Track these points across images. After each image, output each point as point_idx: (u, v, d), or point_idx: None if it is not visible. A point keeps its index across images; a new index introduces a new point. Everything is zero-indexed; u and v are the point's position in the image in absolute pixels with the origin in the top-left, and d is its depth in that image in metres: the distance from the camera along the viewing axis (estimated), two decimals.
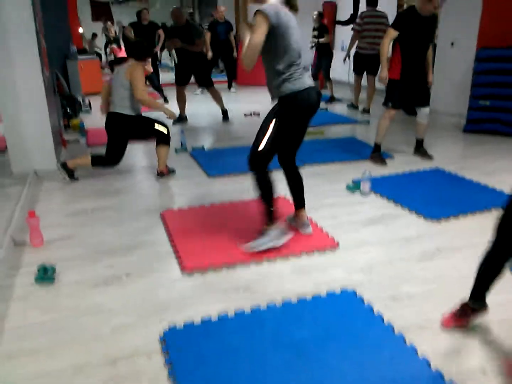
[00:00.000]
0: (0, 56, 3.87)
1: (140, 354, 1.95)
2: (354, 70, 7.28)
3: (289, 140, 2.79)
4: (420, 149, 4.75)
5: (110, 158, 4.04)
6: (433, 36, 4.34)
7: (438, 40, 6.46)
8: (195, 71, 6.39)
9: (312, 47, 8.01)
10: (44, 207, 3.53)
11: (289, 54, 2.56)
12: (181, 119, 6.46)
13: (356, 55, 7.09)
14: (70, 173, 4.07)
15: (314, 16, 7.85)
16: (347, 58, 7.38)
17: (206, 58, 6.68)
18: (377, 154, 4.59)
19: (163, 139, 4.05)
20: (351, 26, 8.12)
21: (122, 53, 10.77)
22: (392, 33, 4.23)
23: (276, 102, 2.69)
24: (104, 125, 4.00)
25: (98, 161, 4.05)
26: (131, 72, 3.84)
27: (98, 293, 2.41)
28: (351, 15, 8.42)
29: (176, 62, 6.59)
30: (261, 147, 2.65)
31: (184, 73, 6.42)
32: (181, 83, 6.46)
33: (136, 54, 3.96)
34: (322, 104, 7.74)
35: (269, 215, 2.76)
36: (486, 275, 2.01)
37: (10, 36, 3.84)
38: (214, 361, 1.88)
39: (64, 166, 4.05)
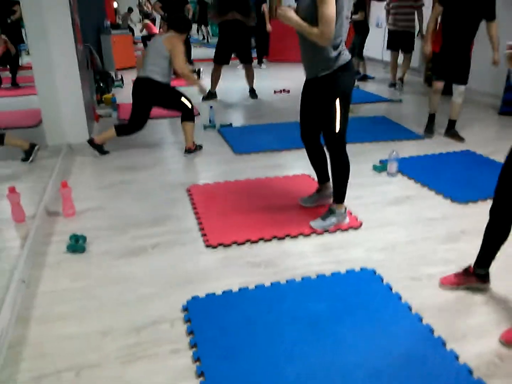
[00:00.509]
0: (35, 31, 3.98)
1: (164, 321, 2.04)
2: (388, 47, 7.19)
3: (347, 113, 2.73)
4: (451, 131, 4.66)
5: (134, 124, 4.10)
6: (482, 12, 4.09)
7: None
8: (239, 47, 6.21)
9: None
10: (76, 180, 3.66)
11: (344, 27, 2.54)
12: (211, 95, 6.45)
13: (388, 32, 7.04)
14: (99, 148, 4.17)
15: None
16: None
17: (251, 33, 6.33)
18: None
19: (187, 115, 4.10)
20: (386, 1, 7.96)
21: (155, 30, 10.84)
22: (437, 8, 4.32)
23: (321, 78, 2.60)
24: (132, 89, 4.04)
25: (122, 130, 4.12)
26: (173, 42, 3.88)
27: (125, 263, 2.51)
28: None
29: (219, 37, 6.32)
30: (337, 129, 2.66)
31: (226, 50, 6.21)
32: (221, 61, 6.31)
33: (178, 27, 4.00)
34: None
35: (342, 195, 2.84)
36: (490, 241, 2.13)
37: (44, 12, 3.93)
38: (233, 330, 1.95)
39: (91, 142, 4.15)
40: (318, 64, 2.59)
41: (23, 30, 8.71)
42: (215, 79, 6.44)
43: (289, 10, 2.49)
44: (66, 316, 2.09)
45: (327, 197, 3.09)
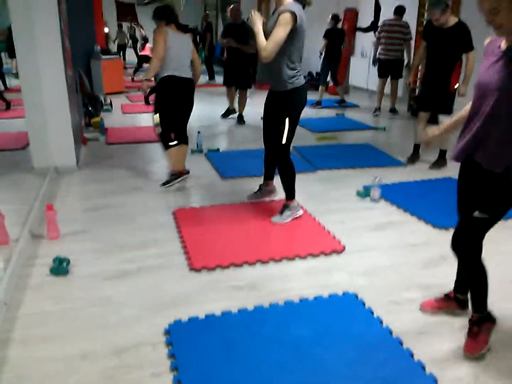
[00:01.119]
0: (26, 55, 4.02)
1: (145, 344, 2.04)
2: (379, 75, 7.46)
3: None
4: (439, 161, 4.73)
5: (175, 127, 3.98)
6: (458, 46, 4.27)
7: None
8: (241, 72, 6.48)
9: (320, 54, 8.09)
10: (62, 202, 3.66)
11: (300, 52, 3.01)
12: (230, 112, 6.97)
13: (379, 61, 7.36)
14: (180, 175, 4.07)
15: (328, 20, 7.87)
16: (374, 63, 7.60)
17: (250, 60, 6.59)
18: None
19: (184, 139, 4.07)
20: (371, 33, 8.27)
21: (145, 51, 11.12)
22: (423, 42, 4.62)
23: (278, 93, 3.06)
24: (169, 89, 3.77)
25: (168, 139, 3.96)
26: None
27: (109, 286, 2.51)
28: (372, 22, 8.44)
29: (225, 61, 6.72)
30: (284, 141, 3.12)
31: (232, 73, 6.55)
32: (230, 84, 6.71)
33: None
34: (339, 111, 7.79)
35: (291, 192, 3.30)
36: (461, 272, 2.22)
37: (35, 35, 3.98)
38: (214, 354, 1.96)
39: (173, 176, 4.04)
40: (274, 79, 3.03)
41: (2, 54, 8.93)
42: (230, 97, 6.91)
43: (259, 18, 2.90)
44: (46, 339, 2.07)
45: (269, 192, 3.70)
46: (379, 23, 7.79)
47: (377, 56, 7.31)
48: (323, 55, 8.01)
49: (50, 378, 1.84)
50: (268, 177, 3.68)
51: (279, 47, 2.81)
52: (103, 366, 1.91)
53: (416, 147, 4.88)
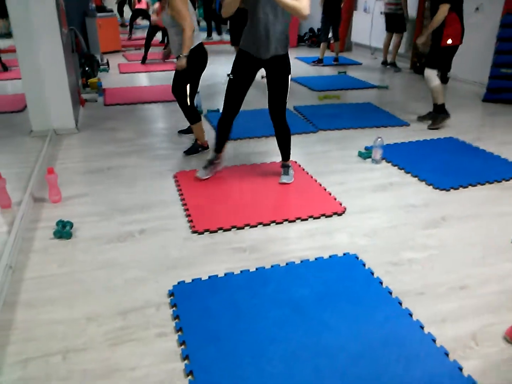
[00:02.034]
0: (19, 15, 3.91)
1: (150, 306, 2.08)
2: (386, 29, 7.51)
3: None
4: (429, 114, 4.73)
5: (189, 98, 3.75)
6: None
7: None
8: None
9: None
10: (62, 165, 3.65)
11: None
12: None
13: (386, 15, 7.44)
14: (205, 148, 3.98)
15: None
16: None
17: None
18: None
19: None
20: None
21: (141, 5, 10.77)
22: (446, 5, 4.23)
23: (280, 57, 2.99)
24: (201, 59, 3.65)
25: (196, 112, 3.84)
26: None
27: (112, 249, 2.53)
28: None
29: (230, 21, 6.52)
30: (287, 100, 3.11)
31: (240, 32, 6.32)
32: (238, 43, 6.47)
33: None
34: (341, 68, 7.65)
35: (289, 152, 3.35)
36: None
37: None
38: (218, 314, 2.00)
39: (200, 148, 3.97)
40: (280, 42, 2.94)
41: None
42: None
43: None
44: (52, 301, 2.11)
45: (220, 165, 3.48)
46: None
47: (383, 10, 7.46)
48: (321, 10, 7.79)
49: (58, 339, 1.89)
50: (222, 148, 3.41)
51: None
52: (108, 328, 1.95)
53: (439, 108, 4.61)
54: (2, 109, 5.09)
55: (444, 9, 4.13)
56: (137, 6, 10.95)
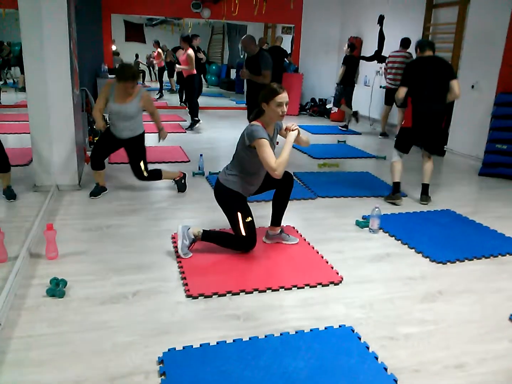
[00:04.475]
0: (34, 73, 4.08)
1: (139, 373, 2.03)
2: (385, 102, 8.01)
3: None
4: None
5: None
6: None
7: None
8: (249, 103, 6.24)
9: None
10: (62, 222, 3.67)
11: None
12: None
13: (386, 89, 7.97)
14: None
15: (345, 48, 8.57)
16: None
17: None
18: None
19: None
20: (374, 62, 8.60)
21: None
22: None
23: None
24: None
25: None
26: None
27: (104, 310, 2.50)
28: (376, 51, 8.58)
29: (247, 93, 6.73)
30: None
31: (253, 105, 6.26)
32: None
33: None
34: (340, 137, 7.86)
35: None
36: None
37: (44, 55, 4.04)
38: None
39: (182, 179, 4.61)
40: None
41: None
42: None
43: (295, 135, 3.12)
44: (40, 363, 2.06)
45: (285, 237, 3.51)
46: (386, 54, 8.12)
47: (385, 84, 8.01)
48: (339, 81, 8.51)
49: None
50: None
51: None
52: None
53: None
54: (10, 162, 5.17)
55: (399, 91, 4.35)
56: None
